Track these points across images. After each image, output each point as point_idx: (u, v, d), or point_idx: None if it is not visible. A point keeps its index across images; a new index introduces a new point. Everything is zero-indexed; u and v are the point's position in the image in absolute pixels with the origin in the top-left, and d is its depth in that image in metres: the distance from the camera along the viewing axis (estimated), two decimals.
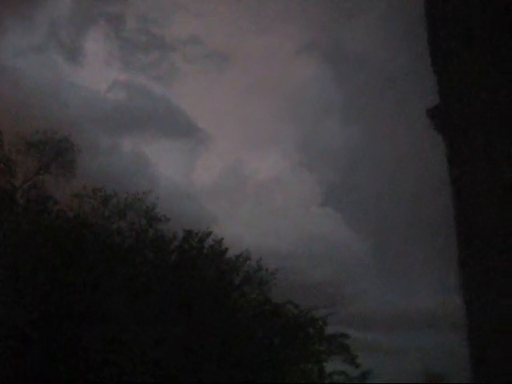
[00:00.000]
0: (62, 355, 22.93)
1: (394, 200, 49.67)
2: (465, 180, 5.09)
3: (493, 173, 4.66)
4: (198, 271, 28.95)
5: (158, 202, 29.38)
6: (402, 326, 45.61)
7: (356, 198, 59.43)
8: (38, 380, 22.47)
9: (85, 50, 61.14)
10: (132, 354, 23.57)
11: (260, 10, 66.57)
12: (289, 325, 30.78)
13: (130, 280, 25.61)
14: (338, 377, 31.63)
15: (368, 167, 61.97)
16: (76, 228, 25.22)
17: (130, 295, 24.83)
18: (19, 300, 22.00)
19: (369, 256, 51.61)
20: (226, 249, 30.29)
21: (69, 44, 53.50)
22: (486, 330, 4.77)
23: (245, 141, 67.91)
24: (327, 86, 63.36)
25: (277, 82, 70.16)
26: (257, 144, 67.51)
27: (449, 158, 5.65)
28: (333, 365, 32.00)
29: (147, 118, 52.71)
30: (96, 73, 61.25)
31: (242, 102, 70.28)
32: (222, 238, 30.31)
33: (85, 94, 46.82)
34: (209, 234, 30.22)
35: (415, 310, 46.14)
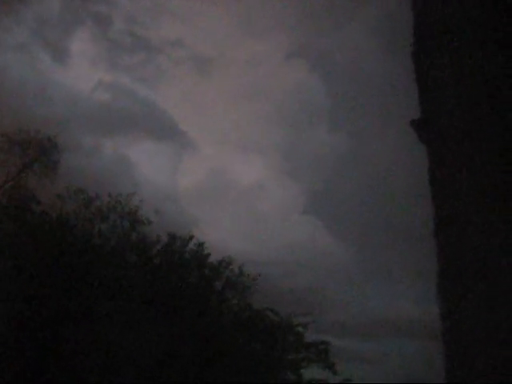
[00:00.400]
0: (45, 357, 22.74)
1: (377, 208, 49.99)
2: (446, 191, 5.14)
3: (474, 182, 4.73)
4: (179, 275, 28.90)
5: (140, 204, 29.31)
6: (383, 333, 45.81)
7: (338, 205, 59.66)
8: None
9: (71, 49, 60.77)
10: (116, 356, 23.45)
11: (249, 16, 66.62)
12: (268, 331, 30.80)
13: (112, 282, 25.47)
14: None
15: (351, 175, 62.29)
16: (58, 229, 25.03)
17: (112, 297, 24.70)
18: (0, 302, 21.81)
19: (350, 264, 51.87)
20: (209, 254, 30.27)
21: (55, 43, 53.16)
22: (462, 342, 4.80)
23: (229, 145, 67.86)
24: (315, 93, 63.59)
25: (264, 88, 70.23)
26: (241, 149, 67.48)
27: (429, 168, 5.70)
28: (312, 372, 32.08)
29: (131, 120, 52.43)
30: (81, 73, 60.81)
31: (229, 106, 70.28)
32: (204, 243, 30.31)
33: (69, 94, 46.38)
34: (191, 237, 30.20)
35: (396, 317, 46.37)
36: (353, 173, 61.23)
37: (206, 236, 30.97)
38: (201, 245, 30.05)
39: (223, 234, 43.26)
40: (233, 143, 68.26)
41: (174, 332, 25.79)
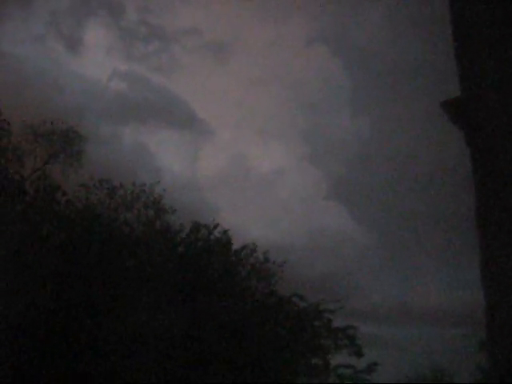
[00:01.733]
0: (70, 346, 23.02)
1: (400, 194, 49.62)
2: (488, 176, 4.99)
3: None
4: (204, 262, 28.98)
5: (164, 193, 29.42)
6: (405, 319, 45.65)
7: (362, 191, 59.29)
8: (48, 372, 22.56)
9: (85, 40, 61.01)
10: (140, 345, 23.67)
11: (268, 1, 65.95)
12: (294, 318, 30.81)
13: (137, 271, 25.67)
14: (344, 370, 31.72)
15: (374, 160, 61.82)
16: (85, 219, 25.23)
17: (138, 286, 24.89)
18: (26, 291, 22.04)
19: (373, 249, 51.64)
20: (231, 240, 30.30)
21: (69, 34, 53.28)
22: (507, 332, 4.70)
23: (249, 132, 67.56)
24: (337, 77, 63.00)
25: (284, 73, 69.78)
26: (261, 135, 67.13)
27: (471, 153, 5.55)
28: (338, 358, 32.11)
29: (148, 109, 52.47)
30: (96, 63, 61.08)
31: (247, 92, 69.85)
32: (228, 230, 30.35)
33: (85, 84, 46.56)
34: (216, 226, 30.26)
35: (418, 304, 46.21)
36: (376, 157, 60.80)
37: (226, 223, 31.03)
38: (225, 232, 30.09)
39: (244, 221, 43.23)
40: (252, 129, 68.02)
41: (198, 319, 25.94)
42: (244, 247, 30.70)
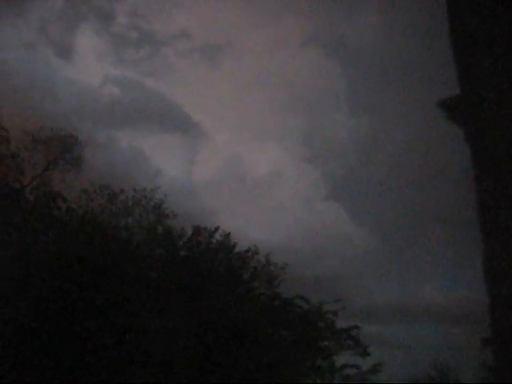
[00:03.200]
0: (72, 350, 22.97)
1: (400, 193, 49.56)
2: (489, 174, 4.94)
3: None
4: (206, 266, 28.93)
5: (165, 198, 29.39)
6: (407, 318, 45.58)
7: (361, 191, 59.19)
8: (50, 374, 22.52)
9: (76, 46, 60.90)
10: (141, 348, 23.62)
11: (261, 2, 65.76)
12: (298, 320, 30.75)
13: (139, 276, 25.62)
14: (349, 370, 31.65)
15: (373, 160, 61.76)
16: (85, 225, 25.20)
17: (140, 291, 24.85)
18: (29, 296, 22.03)
19: (374, 249, 51.50)
20: (235, 243, 30.26)
21: (59, 40, 53.21)
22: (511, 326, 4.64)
23: (245, 134, 67.32)
24: (332, 78, 62.88)
25: (279, 75, 69.64)
26: (258, 137, 66.80)
27: (471, 150, 5.49)
28: (343, 358, 32.04)
29: (143, 113, 52.19)
30: (88, 69, 60.84)
31: (242, 95, 69.62)
32: (229, 233, 30.28)
33: (78, 90, 46.29)
34: (216, 229, 30.22)
35: (419, 303, 46.15)
36: (374, 157, 60.74)
37: (224, 226, 30.66)
38: (227, 235, 30.05)
39: (242, 224, 42.87)
40: (248, 132, 67.79)
41: (201, 323, 25.89)
42: (247, 250, 30.66)
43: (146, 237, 28.28)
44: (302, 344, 30.10)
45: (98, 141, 39.62)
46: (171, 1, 60.87)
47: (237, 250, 30.34)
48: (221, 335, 26.25)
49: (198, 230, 29.94)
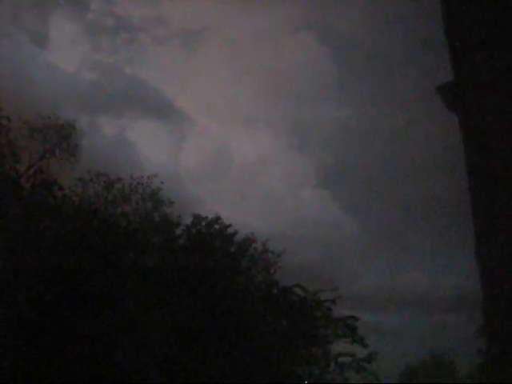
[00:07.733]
0: (69, 340, 23.01)
1: (389, 181, 49.56)
2: (482, 163, 4.95)
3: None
4: (207, 254, 28.93)
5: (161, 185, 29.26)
6: (398, 306, 45.62)
7: (350, 179, 58.93)
8: (46, 367, 22.58)
9: (51, 34, 59.91)
10: (138, 339, 23.66)
11: None
12: (296, 308, 30.84)
13: (136, 263, 25.67)
14: (344, 358, 31.81)
15: (362, 148, 61.55)
16: (81, 212, 25.20)
17: (137, 278, 24.89)
18: (24, 285, 22.04)
19: (364, 237, 51.49)
20: (236, 231, 30.27)
21: (34, 28, 52.46)
22: (503, 312, 4.68)
23: (234, 122, 66.56)
24: (324, 66, 62.18)
25: (269, 62, 69.00)
26: (247, 125, 66.08)
27: (464, 138, 5.49)
28: (338, 346, 32.17)
29: (123, 99, 51.36)
30: (65, 57, 60.00)
31: (228, 82, 68.76)
32: (230, 225, 30.24)
33: (56, 77, 45.32)
34: (217, 218, 30.24)
35: (406, 291, 46.22)
36: (364, 145, 60.52)
37: (212, 215, 30.56)
38: (227, 226, 30.08)
39: (231, 212, 42.27)
40: (237, 119, 66.93)
41: (199, 311, 25.95)
42: (246, 239, 30.71)
43: (141, 224, 28.31)
44: (298, 332, 30.24)
45: (80, 127, 38.81)
46: None
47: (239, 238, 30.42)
48: (217, 323, 26.34)
49: (198, 219, 29.95)
